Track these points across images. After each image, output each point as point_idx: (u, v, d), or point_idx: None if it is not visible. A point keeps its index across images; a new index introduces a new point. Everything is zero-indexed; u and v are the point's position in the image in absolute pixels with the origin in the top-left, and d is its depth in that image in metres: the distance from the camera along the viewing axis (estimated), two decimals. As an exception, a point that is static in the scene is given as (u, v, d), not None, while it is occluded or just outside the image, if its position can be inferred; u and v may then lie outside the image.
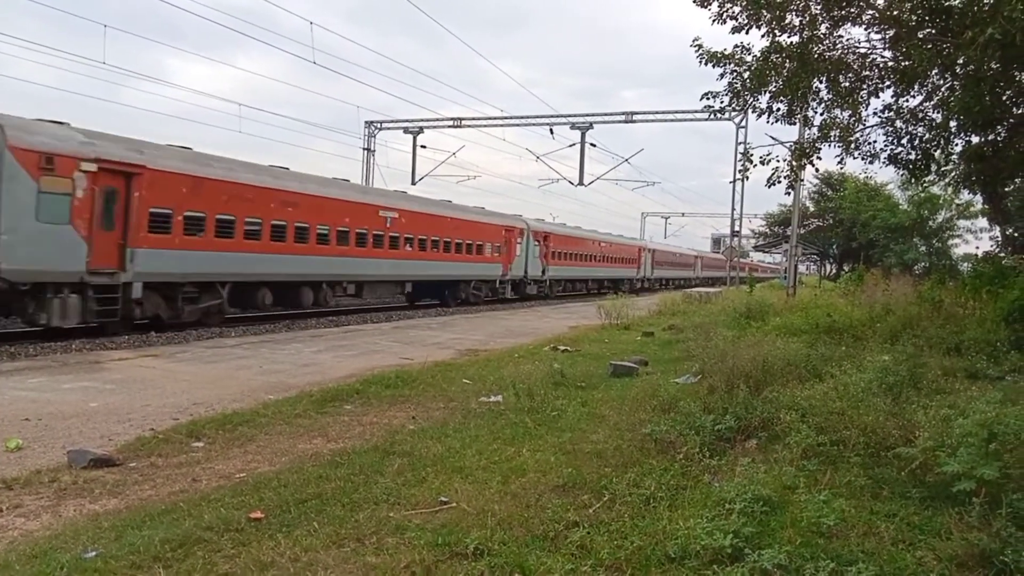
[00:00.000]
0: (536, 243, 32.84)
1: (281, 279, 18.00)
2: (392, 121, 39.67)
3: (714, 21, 11.35)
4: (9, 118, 12.32)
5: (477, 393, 8.49)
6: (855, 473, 4.88)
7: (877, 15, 11.06)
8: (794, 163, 12.99)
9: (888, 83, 12.07)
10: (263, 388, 8.95)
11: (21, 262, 12.01)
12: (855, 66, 11.87)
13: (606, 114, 36.22)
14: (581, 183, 36.70)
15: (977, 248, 42.64)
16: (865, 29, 11.66)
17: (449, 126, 37.59)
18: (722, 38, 13.74)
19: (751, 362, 7.50)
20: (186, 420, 6.97)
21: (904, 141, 13.04)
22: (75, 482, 5.08)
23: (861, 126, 12.98)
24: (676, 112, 35.00)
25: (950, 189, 34.66)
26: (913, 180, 19.99)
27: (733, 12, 11.17)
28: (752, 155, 13.40)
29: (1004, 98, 11.52)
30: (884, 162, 13.45)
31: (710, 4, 11.29)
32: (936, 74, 11.66)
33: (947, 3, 10.49)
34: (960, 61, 10.25)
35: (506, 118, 36.72)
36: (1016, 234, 30.36)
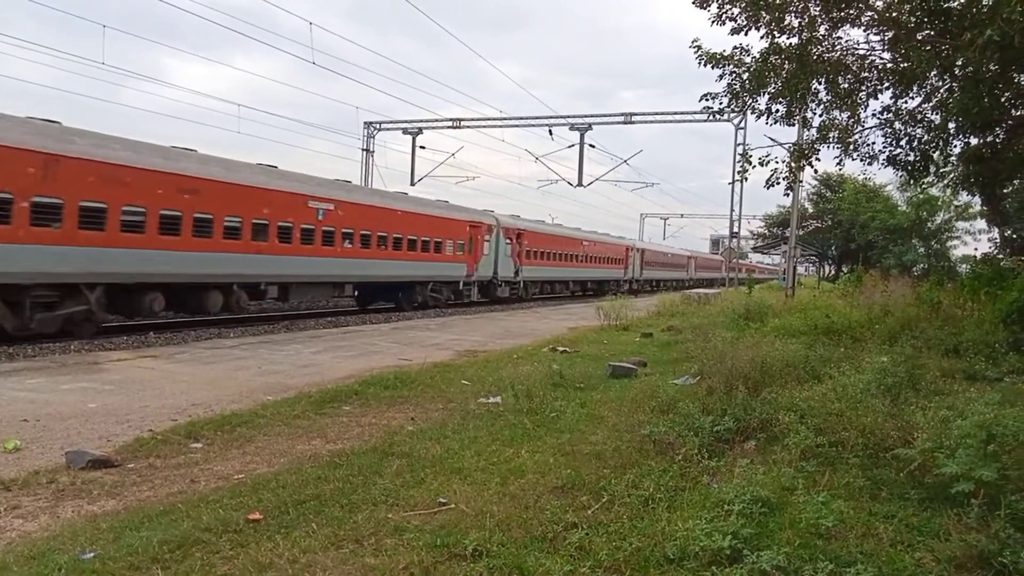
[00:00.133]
0: (508, 241, 30.07)
1: (175, 280, 15.42)
2: (391, 122, 39.71)
3: (713, 22, 11.39)
4: None
5: (476, 394, 8.47)
6: (854, 474, 4.88)
7: (876, 17, 11.09)
8: (793, 164, 13.03)
9: (887, 84, 12.11)
10: (262, 389, 8.93)
11: None
12: (854, 67, 11.90)
13: (605, 115, 36.30)
14: (580, 184, 36.74)
15: (976, 250, 42.71)
16: (864, 31, 11.73)
17: (448, 127, 37.63)
18: (721, 39, 13.81)
19: (750, 363, 7.49)
20: (184, 421, 6.95)
21: (903, 142, 13.09)
22: (73, 483, 5.07)
23: (860, 127, 13.03)
24: (675, 113, 35.18)
25: (949, 191, 34.80)
26: (912, 181, 20.09)
27: (732, 13, 11.22)
28: (751, 156, 13.47)
29: (1003, 100, 11.57)
30: (883, 163, 13.54)
31: (709, 5, 11.33)
32: (935, 76, 11.70)
33: (946, 5, 10.53)
34: (959, 63, 10.28)
35: (505, 119, 36.74)
36: (1014, 236, 30.46)
